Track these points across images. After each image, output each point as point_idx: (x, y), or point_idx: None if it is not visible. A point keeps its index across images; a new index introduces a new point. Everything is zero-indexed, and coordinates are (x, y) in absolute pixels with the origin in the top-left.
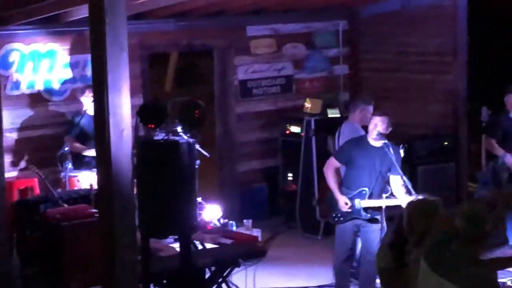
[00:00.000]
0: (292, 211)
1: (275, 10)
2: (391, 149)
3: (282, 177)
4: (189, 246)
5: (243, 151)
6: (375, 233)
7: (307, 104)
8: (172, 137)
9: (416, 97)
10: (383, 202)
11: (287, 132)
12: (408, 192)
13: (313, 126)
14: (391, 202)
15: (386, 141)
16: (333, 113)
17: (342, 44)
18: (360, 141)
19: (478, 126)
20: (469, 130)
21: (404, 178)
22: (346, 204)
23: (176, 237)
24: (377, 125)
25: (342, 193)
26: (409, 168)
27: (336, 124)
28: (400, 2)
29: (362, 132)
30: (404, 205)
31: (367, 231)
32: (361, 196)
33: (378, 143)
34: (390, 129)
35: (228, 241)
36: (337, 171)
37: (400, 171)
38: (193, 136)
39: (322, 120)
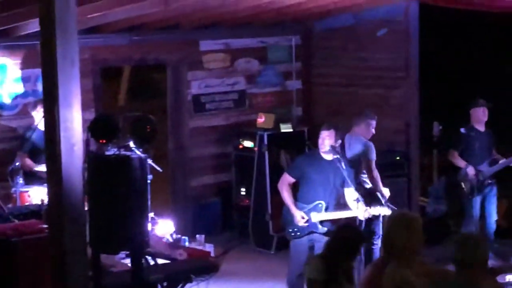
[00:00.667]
0: (245, 226)
1: (228, 25)
2: (343, 163)
3: (235, 192)
4: (141, 261)
5: (196, 165)
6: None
7: (260, 119)
8: (123, 152)
9: None
10: (339, 215)
11: (240, 146)
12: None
13: (266, 141)
14: (347, 214)
15: (338, 155)
16: (286, 128)
17: (295, 59)
18: (312, 156)
19: (429, 141)
20: (421, 145)
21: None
22: (303, 218)
23: (128, 252)
24: (325, 139)
25: (297, 208)
26: None
27: (288, 138)
28: (353, 18)
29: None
30: (360, 217)
31: (321, 244)
32: (317, 209)
33: (329, 157)
34: (340, 141)
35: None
36: (291, 186)
37: (351, 183)
38: (145, 151)
39: (275, 134)
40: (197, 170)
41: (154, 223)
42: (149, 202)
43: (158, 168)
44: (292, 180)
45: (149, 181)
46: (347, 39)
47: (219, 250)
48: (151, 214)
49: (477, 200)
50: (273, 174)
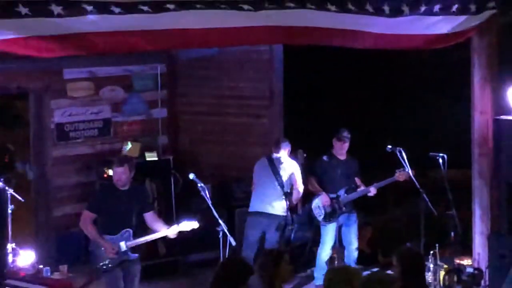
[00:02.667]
0: None
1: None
2: (139, 191)
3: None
4: None
5: (59, 195)
6: (139, 270)
7: (125, 147)
8: None
9: (234, 140)
10: (149, 238)
11: (105, 175)
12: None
13: None
14: (155, 237)
15: (132, 185)
16: (151, 156)
17: (161, 87)
18: (109, 188)
19: None
20: None
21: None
22: (113, 249)
23: None
24: (122, 176)
25: (105, 240)
26: (226, 210)
27: (153, 167)
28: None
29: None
30: (170, 236)
31: (133, 270)
32: (124, 238)
33: (126, 187)
34: (133, 172)
35: None
36: (94, 221)
37: (150, 208)
38: (6, 181)
39: (140, 163)
40: (61, 199)
41: (15, 254)
42: (9, 233)
43: (20, 198)
44: (93, 215)
45: (10, 211)
46: (212, 68)
47: (82, 280)
48: (12, 245)
49: (332, 227)
50: None
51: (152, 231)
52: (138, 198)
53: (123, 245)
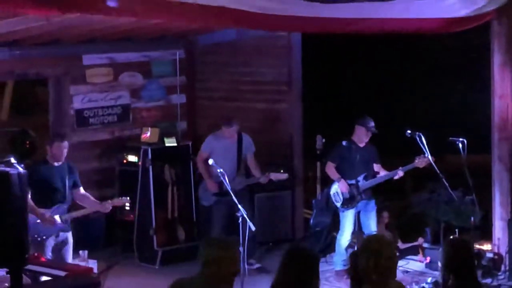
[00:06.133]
0: (129, 241)
1: (111, 39)
2: (70, 167)
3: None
4: (21, 278)
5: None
6: (70, 245)
7: (144, 133)
8: (2, 168)
9: (252, 126)
10: (82, 212)
11: (124, 161)
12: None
13: (150, 155)
14: (89, 211)
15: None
16: (170, 142)
17: (179, 73)
18: (42, 163)
19: (313, 154)
20: (305, 158)
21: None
22: (51, 220)
23: (7, 269)
24: (63, 150)
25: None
26: (247, 196)
27: (172, 153)
28: (236, 32)
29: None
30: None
31: (66, 240)
32: (59, 211)
33: (59, 163)
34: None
35: (62, 273)
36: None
37: (79, 183)
38: (27, 166)
39: (159, 149)
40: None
41: None
42: (29, 218)
43: None
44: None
45: (29, 197)
46: (230, 53)
47: (103, 266)
48: None
49: (351, 213)
50: (157, 188)
51: (82, 207)
52: (70, 174)
53: (57, 218)
